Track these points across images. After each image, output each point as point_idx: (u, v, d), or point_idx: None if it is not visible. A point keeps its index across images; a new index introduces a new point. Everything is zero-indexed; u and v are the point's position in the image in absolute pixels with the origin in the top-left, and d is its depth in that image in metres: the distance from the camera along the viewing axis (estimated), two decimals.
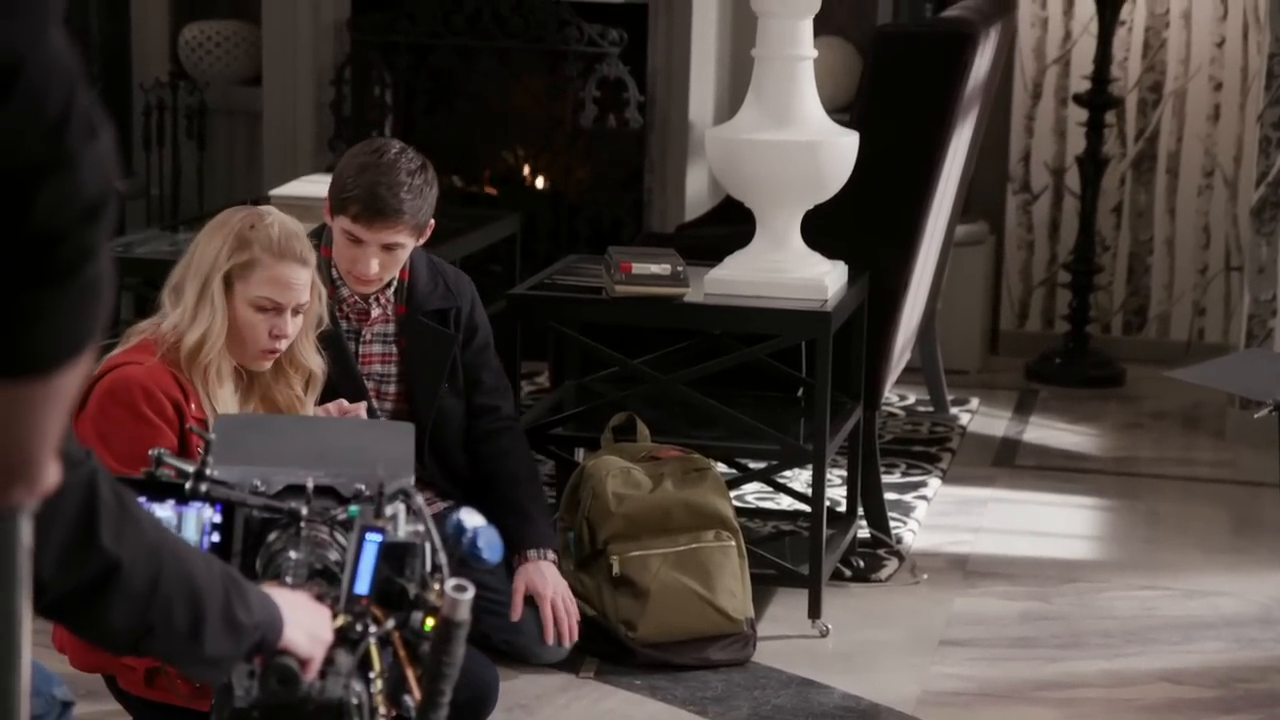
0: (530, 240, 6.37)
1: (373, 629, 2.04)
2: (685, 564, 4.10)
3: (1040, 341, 6.77)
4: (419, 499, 2.10)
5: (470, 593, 1.98)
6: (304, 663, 1.99)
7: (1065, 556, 4.90)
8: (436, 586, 2.05)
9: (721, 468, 4.46)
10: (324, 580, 2.09)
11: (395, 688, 2.05)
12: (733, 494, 4.35)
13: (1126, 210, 6.78)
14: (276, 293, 3.24)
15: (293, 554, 2.10)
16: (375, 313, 3.95)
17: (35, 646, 1.54)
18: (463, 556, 2.08)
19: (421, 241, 3.90)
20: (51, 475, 1.38)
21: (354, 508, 2.15)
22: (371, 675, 2.05)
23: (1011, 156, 6.80)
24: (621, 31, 6.50)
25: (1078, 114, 6.61)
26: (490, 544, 2.08)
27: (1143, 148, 6.74)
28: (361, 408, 3.46)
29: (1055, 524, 5.14)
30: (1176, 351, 6.71)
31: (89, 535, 1.81)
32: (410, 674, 2.04)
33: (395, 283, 3.95)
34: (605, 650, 4.12)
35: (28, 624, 1.45)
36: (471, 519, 2.09)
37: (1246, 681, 4.12)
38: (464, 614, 1.98)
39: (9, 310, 1.28)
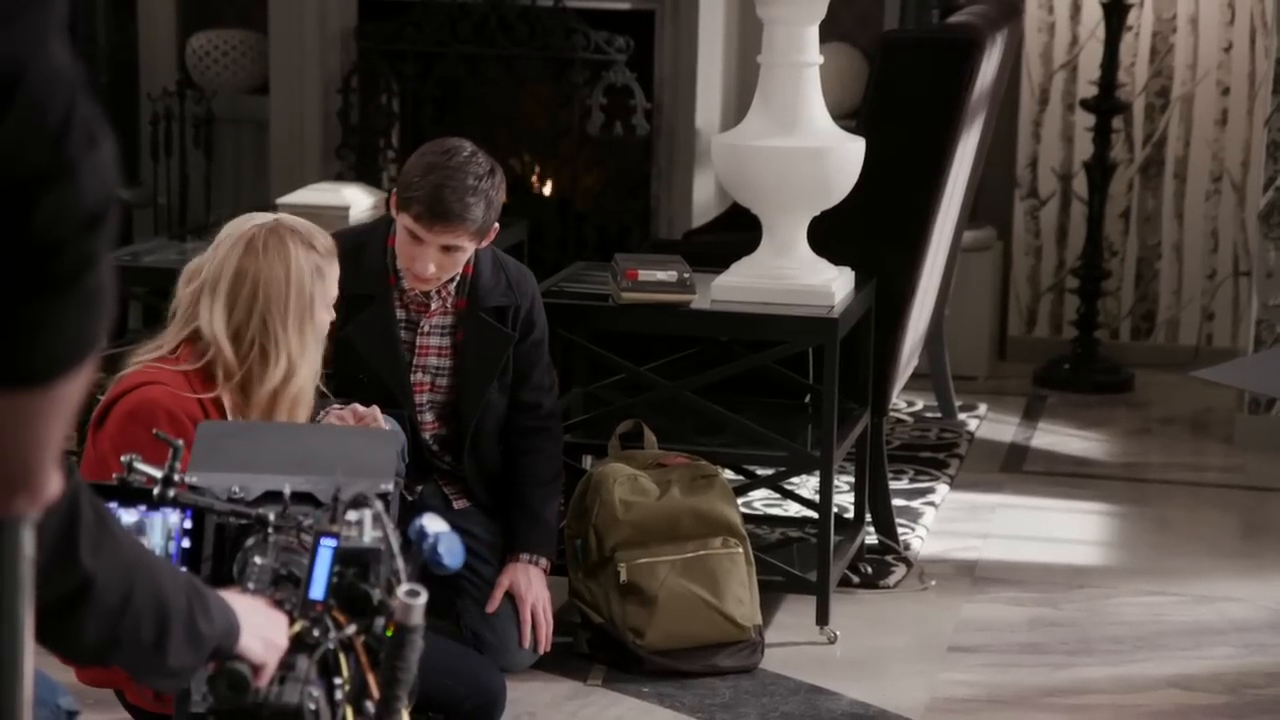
0: (537, 247, 6.37)
1: (332, 634, 2.04)
2: (693, 571, 4.10)
3: (1048, 347, 6.76)
4: (379, 504, 2.10)
5: (423, 598, 1.98)
6: (257, 669, 1.98)
7: (1074, 562, 4.89)
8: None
9: (729, 474, 4.45)
10: (291, 586, 2.08)
11: (357, 693, 2.05)
12: (740, 501, 4.34)
13: (1134, 215, 6.77)
14: (335, 289, 3.22)
15: (258, 559, 2.10)
16: (434, 305, 3.97)
17: (39, 655, 1.54)
18: (424, 562, 2.07)
19: (485, 244, 3.91)
20: (54, 484, 1.38)
21: (317, 514, 2.16)
22: (338, 681, 2.04)
23: (1019, 162, 6.79)
24: (628, 39, 6.50)
25: (1085, 119, 6.60)
26: (451, 550, 2.08)
27: (1150, 153, 6.73)
28: (376, 412, 3.45)
29: (1064, 530, 5.13)
30: (1185, 356, 6.70)
31: (68, 552, 1.80)
32: (371, 679, 2.04)
33: (458, 276, 3.96)
34: (613, 658, 4.12)
35: (30, 633, 1.45)
36: (433, 524, 2.08)
37: (1256, 687, 4.11)
38: (417, 619, 1.98)
39: (10, 320, 1.28)
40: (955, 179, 4.85)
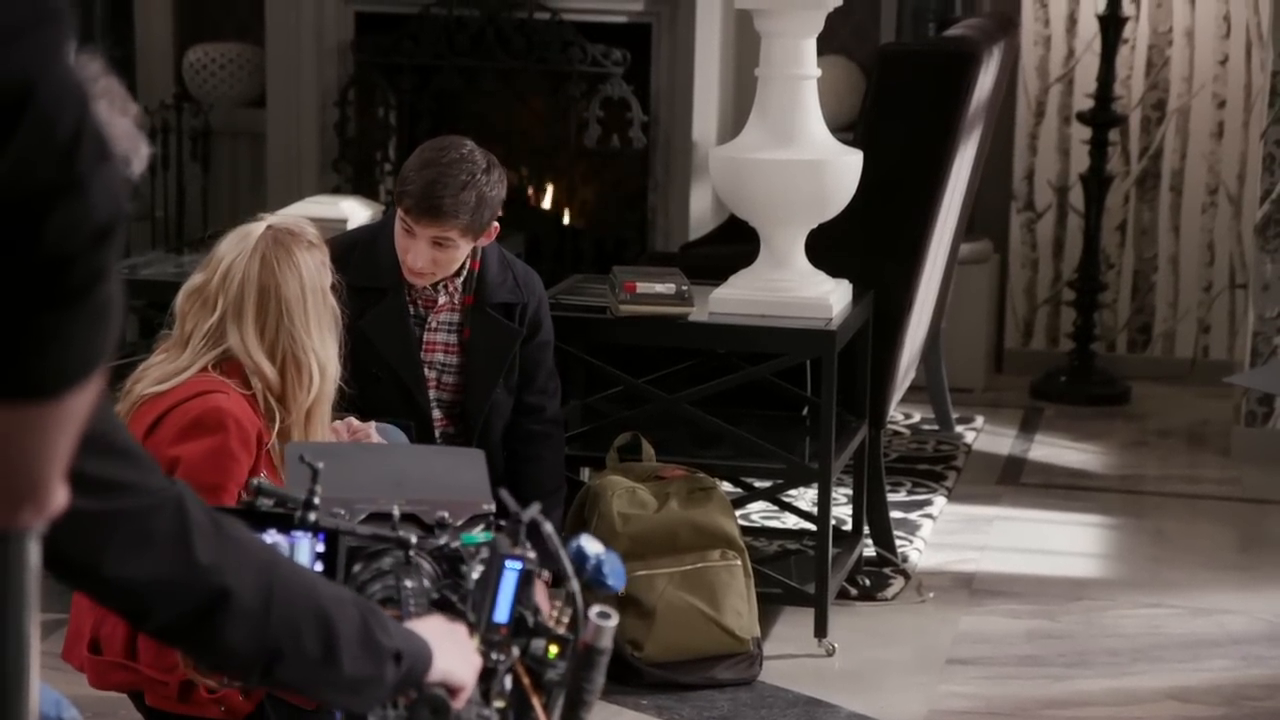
0: (534, 260, 6.36)
1: (505, 657, 2.02)
2: (691, 583, 4.10)
3: (1045, 359, 6.77)
4: (549, 526, 2.09)
5: (614, 620, 1.98)
6: (455, 690, 1.97)
7: (1071, 575, 4.89)
8: (554, 613, 2.04)
9: (727, 487, 4.45)
10: (448, 610, 2.05)
11: (520, 715, 2.04)
12: (738, 513, 4.34)
13: (1130, 228, 6.78)
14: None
15: (409, 583, 2.05)
16: (442, 300, 3.98)
17: (45, 670, 1.54)
18: (586, 582, 2.07)
19: (482, 242, 3.92)
20: (59, 498, 1.38)
21: (469, 535, 2.11)
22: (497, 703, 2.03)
23: (1015, 175, 6.80)
24: (625, 51, 6.50)
25: (1081, 132, 6.61)
26: (615, 570, 2.08)
27: (1146, 165, 6.74)
28: (371, 428, 3.46)
29: (1061, 542, 5.14)
30: (1181, 369, 6.71)
31: (186, 554, 1.81)
32: (536, 702, 2.02)
33: (465, 273, 3.98)
34: (611, 670, 4.10)
35: (36, 647, 1.45)
36: (592, 545, 2.08)
37: (1254, 699, 4.11)
38: (607, 641, 1.98)
39: (19, 333, 1.28)
40: (952, 192, 4.86)
